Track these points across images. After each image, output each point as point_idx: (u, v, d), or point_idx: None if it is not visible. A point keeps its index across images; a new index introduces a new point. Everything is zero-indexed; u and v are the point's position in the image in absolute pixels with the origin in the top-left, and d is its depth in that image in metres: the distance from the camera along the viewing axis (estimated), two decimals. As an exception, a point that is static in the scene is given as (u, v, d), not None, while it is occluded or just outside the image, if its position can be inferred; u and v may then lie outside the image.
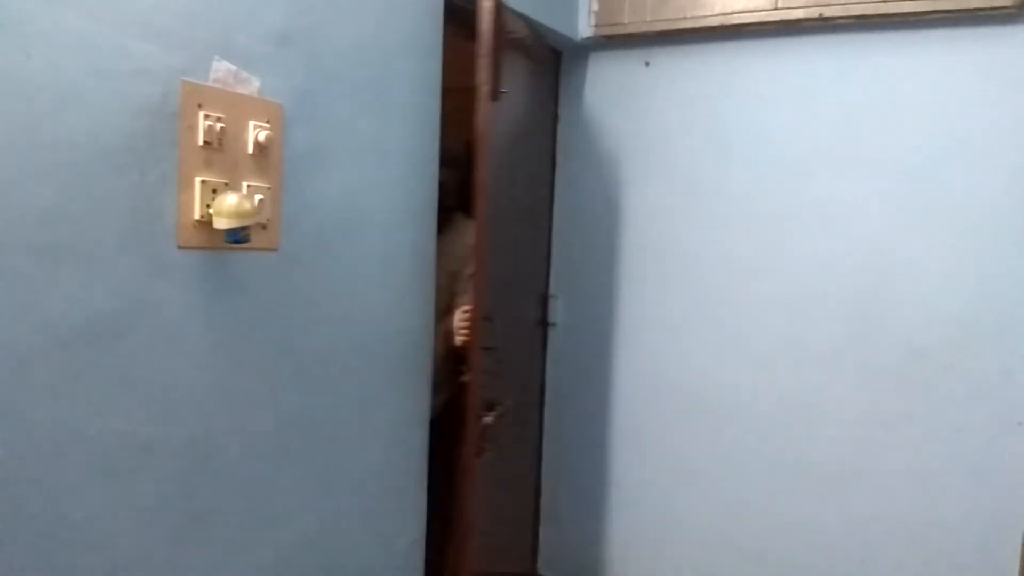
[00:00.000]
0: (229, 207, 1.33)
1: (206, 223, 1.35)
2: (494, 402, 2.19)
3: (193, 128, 1.33)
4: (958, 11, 2.15)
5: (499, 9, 1.98)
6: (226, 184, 1.39)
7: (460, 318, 2.24)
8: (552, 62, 2.85)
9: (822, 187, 2.41)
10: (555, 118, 2.93)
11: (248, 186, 1.44)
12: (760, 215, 2.52)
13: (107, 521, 1.26)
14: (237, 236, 1.37)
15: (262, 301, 1.52)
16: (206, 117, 1.35)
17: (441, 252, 2.13)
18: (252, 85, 1.44)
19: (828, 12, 2.31)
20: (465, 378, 2.15)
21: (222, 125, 1.38)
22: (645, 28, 2.64)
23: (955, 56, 2.21)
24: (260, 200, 1.46)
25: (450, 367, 2.27)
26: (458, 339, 2.24)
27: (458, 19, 2.08)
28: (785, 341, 2.50)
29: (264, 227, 1.48)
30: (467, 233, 2.17)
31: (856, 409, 2.38)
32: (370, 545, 1.90)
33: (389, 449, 1.93)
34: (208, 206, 1.35)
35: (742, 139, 2.54)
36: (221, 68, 1.38)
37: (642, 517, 2.81)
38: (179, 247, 1.33)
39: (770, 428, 2.54)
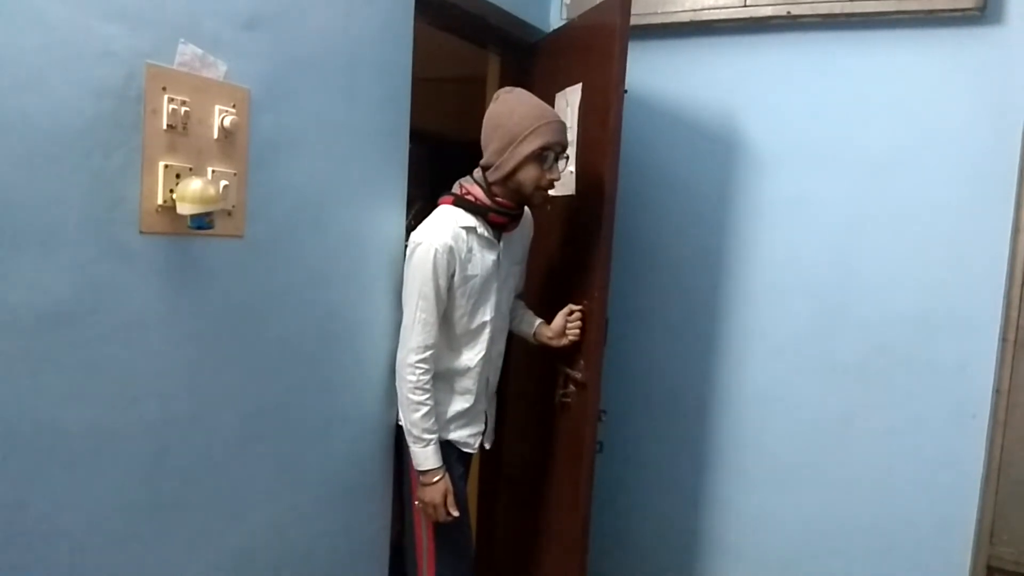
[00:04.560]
0: (193, 192, 1.32)
1: (170, 208, 1.34)
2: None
3: (157, 112, 1.32)
4: (922, 12, 2.18)
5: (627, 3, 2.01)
6: (190, 169, 1.37)
7: (567, 317, 2.10)
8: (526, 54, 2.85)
9: (788, 183, 2.44)
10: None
11: (213, 171, 1.42)
12: (727, 210, 2.55)
13: (67, 510, 1.25)
14: (201, 222, 1.35)
15: (227, 288, 1.51)
16: (170, 101, 1.33)
17: (512, 248, 2.07)
18: (219, 69, 1.43)
19: (796, 10, 2.33)
20: (577, 375, 2.13)
21: (187, 109, 1.36)
22: (617, 22, 2.64)
23: (919, 56, 2.25)
24: (225, 186, 1.44)
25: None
26: (565, 340, 2.10)
27: (429, 9, 2.07)
28: (749, 334, 2.53)
29: (229, 213, 1.47)
30: (527, 224, 2.15)
31: (817, 401, 2.42)
32: (336, 533, 1.89)
33: (356, 437, 1.92)
34: (172, 191, 1.33)
35: (711, 134, 2.56)
36: (187, 51, 1.37)
37: (601, 507, 2.82)
38: (141, 232, 1.31)
39: (731, 419, 2.58)
